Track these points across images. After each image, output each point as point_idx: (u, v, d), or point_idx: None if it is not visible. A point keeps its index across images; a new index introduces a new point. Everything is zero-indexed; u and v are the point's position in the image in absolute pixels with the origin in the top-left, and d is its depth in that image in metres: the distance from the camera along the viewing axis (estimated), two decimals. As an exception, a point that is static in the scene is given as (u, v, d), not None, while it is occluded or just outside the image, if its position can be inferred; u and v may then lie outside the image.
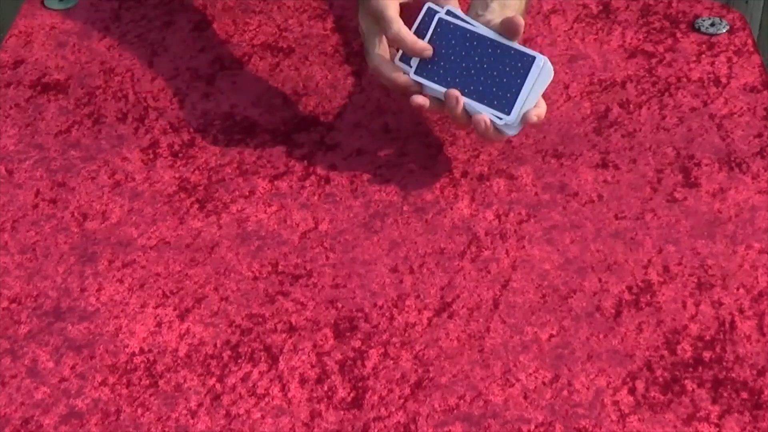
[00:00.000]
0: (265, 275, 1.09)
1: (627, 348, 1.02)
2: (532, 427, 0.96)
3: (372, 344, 1.02)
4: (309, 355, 1.02)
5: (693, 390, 0.99)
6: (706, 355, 1.02)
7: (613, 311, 1.05)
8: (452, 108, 1.13)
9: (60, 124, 1.24)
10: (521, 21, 1.11)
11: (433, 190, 1.17)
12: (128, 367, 1.01)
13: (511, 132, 1.14)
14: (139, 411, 0.97)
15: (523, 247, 1.11)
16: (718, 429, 0.96)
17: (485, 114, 1.12)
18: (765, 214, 1.14)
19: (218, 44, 1.34)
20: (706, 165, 1.19)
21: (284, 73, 1.30)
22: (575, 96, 1.27)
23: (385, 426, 0.96)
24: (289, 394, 0.99)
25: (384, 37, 1.15)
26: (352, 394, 0.99)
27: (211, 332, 1.04)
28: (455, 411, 0.97)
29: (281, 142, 1.22)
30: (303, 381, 1.00)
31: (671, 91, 1.28)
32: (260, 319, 1.05)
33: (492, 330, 1.04)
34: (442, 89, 1.14)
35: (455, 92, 1.12)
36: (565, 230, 1.13)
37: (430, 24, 1.15)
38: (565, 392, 0.99)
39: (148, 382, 0.99)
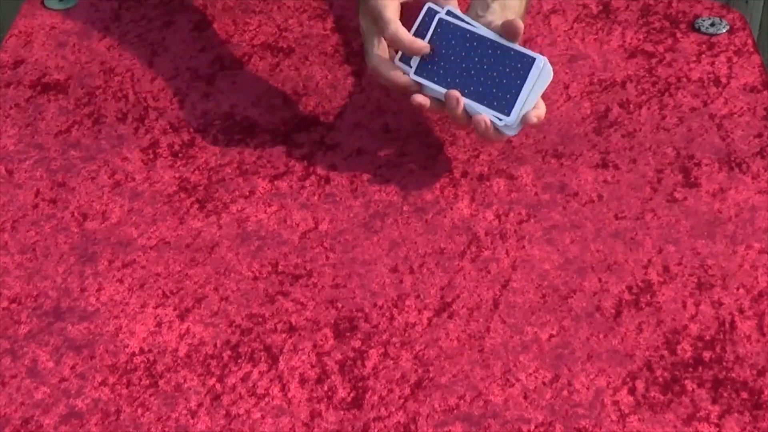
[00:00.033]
0: (265, 275, 1.09)
1: (627, 348, 1.02)
2: (532, 427, 0.96)
3: (372, 344, 1.02)
4: (309, 355, 1.02)
5: (693, 390, 0.99)
6: (706, 355, 1.02)
7: (613, 311, 1.05)
8: (452, 108, 1.13)
9: (60, 124, 1.24)
10: (521, 25, 1.11)
11: (433, 190, 1.17)
12: (128, 367, 1.01)
13: (510, 132, 1.14)
14: (139, 411, 0.97)
15: (523, 247, 1.11)
16: (718, 429, 0.96)
17: (485, 115, 1.12)
18: (765, 214, 1.14)
19: (218, 44, 1.34)
20: (706, 165, 1.19)
21: (284, 73, 1.30)
22: (575, 96, 1.27)
23: (385, 426, 0.96)
24: (289, 394, 0.99)
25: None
26: (352, 394, 0.99)
27: (211, 332, 1.04)
28: (455, 411, 0.97)
29: (281, 142, 1.22)
30: (303, 381, 1.00)
31: (671, 91, 1.28)
32: (260, 319, 1.05)
33: (492, 330, 1.04)
34: (442, 90, 1.14)
35: (456, 93, 1.12)
36: (565, 230, 1.13)
37: (431, 24, 1.15)
38: (565, 392, 0.99)
39: (148, 382, 0.99)
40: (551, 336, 1.03)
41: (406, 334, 1.03)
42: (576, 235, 1.12)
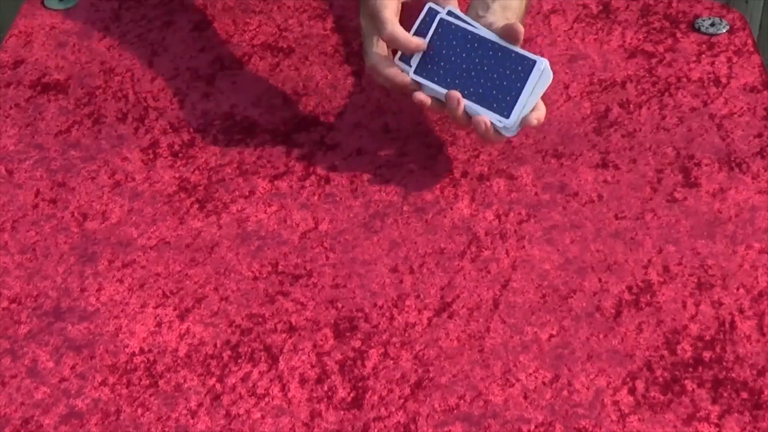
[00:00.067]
0: (265, 275, 1.09)
1: (627, 348, 1.02)
2: (532, 427, 0.96)
3: (372, 344, 1.02)
4: (309, 355, 1.02)
5: (693, 390, 0.99)
6: (706, 355, 1.02)
7: (613, 311, 1.05)
8: (453, 109, 1.13)
9: (60, 124, 1.24)
10: (521, 28, 1.11)
11: (433, 190, 1.17)
12: (128, 367, 1.01)
13: (510, 134, 1.14)
14: (139, 411, 0.97)
15: (523, 247, 1.11)
16: (718, 429, 0.96)
17: (485, 116, 1.12)
18: (765, 214, 1.14)
19: (218, 44, 1.34)
20: (706, 165, 1.19)
21: (284, 73, 1.30)
22: (575, 96, 1.27)
23: (385, 426, 0.96)
24: (289, 394, 0.99)
25: (383, 36, 1.16)
26: (352, 394, 0.99)
27: (211, 332, 1.04)
28: (455, 411, 0.97)
29: (281, 142, 1.22)
30: (303, 381, 1.00)
31: (671, 91, 1.28)
32: (260, 319, 1.05)
33: (492, 330, 1.04)
34: (442, 90, 1.14)
35: (456, 94, 1.12)
36: (565, 230, 1.13)
37: (431, 24, 1.15)
38: (565, 392, 0.99)
39: (148, 382, 0.99)
40: (551, 336, 1.03)
41: (406, 334, 1.03)
42: (576, 235, 1.12)
